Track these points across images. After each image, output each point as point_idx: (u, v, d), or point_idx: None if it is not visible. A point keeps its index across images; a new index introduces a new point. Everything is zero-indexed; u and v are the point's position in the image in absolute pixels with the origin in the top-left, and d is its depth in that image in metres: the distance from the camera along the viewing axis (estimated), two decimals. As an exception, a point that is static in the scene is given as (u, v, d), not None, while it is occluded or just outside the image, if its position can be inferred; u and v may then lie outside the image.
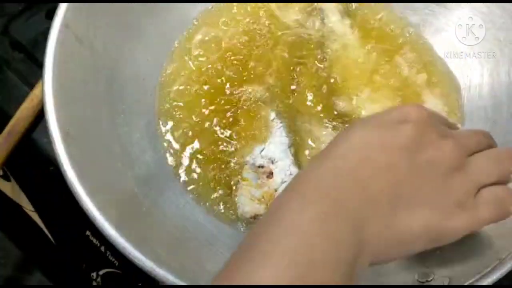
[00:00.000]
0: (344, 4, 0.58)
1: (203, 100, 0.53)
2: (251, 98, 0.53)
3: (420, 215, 0.33)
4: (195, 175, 0.50)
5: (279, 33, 0.57)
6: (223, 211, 0.49)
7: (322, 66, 0.55)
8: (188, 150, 0.51)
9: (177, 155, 0.51)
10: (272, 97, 0.53)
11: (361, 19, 0.58)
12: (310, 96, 0.53)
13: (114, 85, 0.50)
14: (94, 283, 0.57)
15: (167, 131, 0.52)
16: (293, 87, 0.54)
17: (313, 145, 0.51)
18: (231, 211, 0.49)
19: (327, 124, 0.52)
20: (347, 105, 0.53)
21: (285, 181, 0.47)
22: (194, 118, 0.53)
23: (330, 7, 0.58)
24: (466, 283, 0.38)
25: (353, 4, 0.58)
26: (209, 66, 0.55)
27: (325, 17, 0.58)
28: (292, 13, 0.59)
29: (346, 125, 0.52)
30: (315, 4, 0.58)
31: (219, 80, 0.54)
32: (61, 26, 0.45)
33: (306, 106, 0.53)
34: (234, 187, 0.49)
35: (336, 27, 0.57)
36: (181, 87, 0.54)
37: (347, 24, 0.57)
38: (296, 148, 0.51)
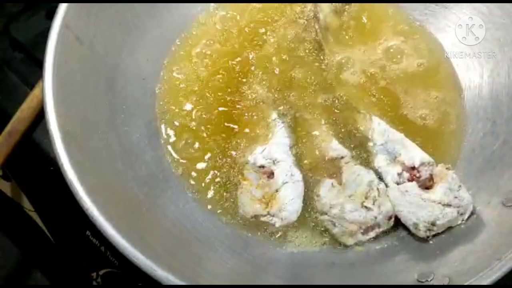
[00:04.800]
0: (336, 4, 0.59)
1: (204, 100, 0.53)
2: (252, 99, 0.53)
3: None
4: (195, 175, 0.50)
5: (280, 34, 0.57)
6: (223, 210, 0.49)
7: (321, 66, 0.55)
8: (188, 150, 0.51)
9: (177, 155, 0.51)
10: (273, 98, 0.53)
11: (355, 16, 0.59)
12: (310, 97, 0.53)
13: (114, 85, 0.50)
14: (94, 283, 0.57)
15: (167, 131, 0.52)
16: (293, 87, 0.54)
17: (315, 145, 0.50)
18: (231, 211, 0.49)
19: (328, 123, 0.52)
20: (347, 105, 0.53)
21: (286, 182, 0.47)
22: (195, 118, 0.53)
23: (323, 4, 0.59)
24: (466, 283, 0.38)
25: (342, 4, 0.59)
26: (210, 67, 0.55)
27: (320, 12, 0.58)
28: (291, 14, 0.59)
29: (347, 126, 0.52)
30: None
31: (220, 81, 0.54)
32: (61, 26, 0.45)
33: (307, 106, 0.53)
34: (234, 187, 0.49)
35: (329, 19, 0.58)
36: (181, 88, 0.54)
37: (339, 19, 0.58)
38: (297, 148, 0.51)
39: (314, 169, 0.49)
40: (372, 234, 0.47)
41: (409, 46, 0.57)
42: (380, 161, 0.49)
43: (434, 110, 0.53)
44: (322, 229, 0.48)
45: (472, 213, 0.46)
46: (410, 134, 0.51)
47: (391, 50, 0.57)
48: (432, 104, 0.54)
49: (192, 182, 0.50)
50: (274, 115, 0.52)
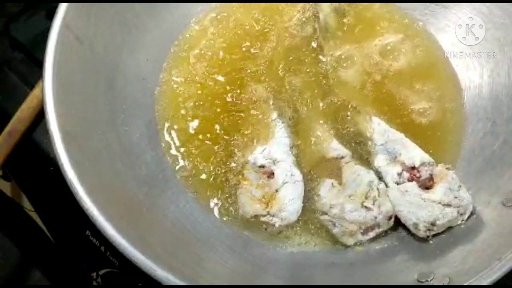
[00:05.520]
0: (336, 4, 0.59)
1: (204, 100, 0.53)
2: (253, 99, 0.53)
3: None
4: (195, 175, 0.50)
5: (279, 34, 0.57)
6: (223, 210, 0.49)
7: (321, 66, 0.55)
8: (188, 150, 0.51)
9: (178, 155, 0.51)
10: (274, 98, 0.53)
11: (355, 16, 0.59)
12: (310, 96, 0.53)
13: (114, 85, 0.50)
14: (94, 283, 0.57)
15: (167, 131, 0.52)
16: (293, 87, 0.54)
17: (315, 145, 0.50)
18: (231, 211, 0.49)
19: (328, 123, 0.52)
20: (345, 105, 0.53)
21: (286, 182, 0.47)
22: (195, 119, 0.53)
23: (324, 4, 0.59)
24: (466, 283, 0.38)
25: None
26: (209, 68, 0.55)
27: (320, 11, 0.58)
28: (291, 13, 0.59)
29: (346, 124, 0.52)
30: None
31: (219, 82, 0.54)
32: (61, 26, 0.45)
33: (307, 106, 0.53)
34: (234, 187, 0.49)
35: (329, 19, 0.58)
36: (181, 88, 0.54)
37: (338, 19, 0.58)
38: (297, 148, 0.51)
39: (314, 169, 0.49)
40: (372, 234, 0.47)
41: (409, 46, 0.57)
42: (380, 161, 0.49)
43: (434, 110, 0.53)
44: (322, 229, 0.48)
45: (472, 213, 0.46)
46: (410, 134, 0.51)
47: (391, 50, 0.57)
48: (432, 104, 0.54)
49: (192, 182, 0.50)
50: (274, 115, 0.52)
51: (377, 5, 0.59)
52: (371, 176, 0.48)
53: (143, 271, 0.37)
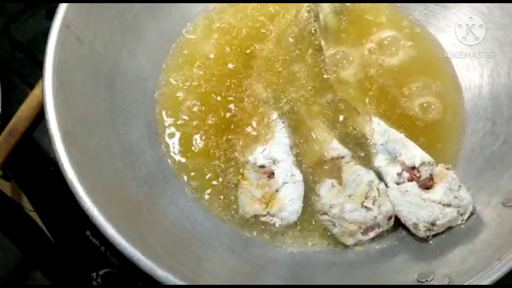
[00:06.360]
0: (336, 4, 0.59)
1: (204, 100, 0.53)
2: (253, 99, 0.53)
3: None
4: (195, 175, 0.50)
5: (279, 34, 0.57)
6: (223, 210, 0.49)
7: (321, 66, 0.55)
8: (189, 150, 0.51)
9: (178, 155, 0.51)
10: (274, 98, 0.53)
11: (355, 16, 0.59)
12: (310, 97, 0.53)
13: (114, 85, 0.50)
14: (94, 283, 0.57)
15: (167, 131, 0.52)
16: (294, 88, 0.54)
17: (315, 145, 0.50)
18: (231, 211, 0.49)
19: (328, 124, 0.52)
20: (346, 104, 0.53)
21: (286, 182, 0.47)
22: (195, 119, 0.53)
23: (324, 4, 0.59)
24: (466, 283, 0.38)
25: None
26: (209, 68, 0.55)
27: (320, 11, 0.58)
28: (291, 14, 0.59)
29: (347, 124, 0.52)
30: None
31: (220, 82, 0.54)
32: (61, 26, 0.45)
33: (307, 106, 0.53)
34: (234, 187, 0.49)
35: (329, 19, 0.58)
36: (181, 88, 0.54)
37: (338, 19, 0.58)
38: (297, 148, 0.51)
39: (314, 169, 0.49)
40: (372, 234, 0.47)
41: (408, 46, 0.57)
42: (380, 161, 0.49)
43: (434, 110, 0.53)
44: (322, 229, 0.48)
45: (472, 213, 0.46)
46: (409, 133, 0.51)
47: (390, 50, 0.57)
48: (431, 104, 0.54)
49: (192, 182, 0.50)
50: (274, 115, 0.52)
51: (377, 5, 0.59)
52: (371, 176, 0.48)
53: (143, 271, 0.37)
